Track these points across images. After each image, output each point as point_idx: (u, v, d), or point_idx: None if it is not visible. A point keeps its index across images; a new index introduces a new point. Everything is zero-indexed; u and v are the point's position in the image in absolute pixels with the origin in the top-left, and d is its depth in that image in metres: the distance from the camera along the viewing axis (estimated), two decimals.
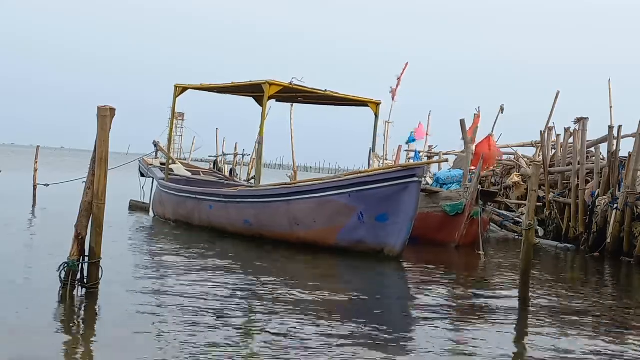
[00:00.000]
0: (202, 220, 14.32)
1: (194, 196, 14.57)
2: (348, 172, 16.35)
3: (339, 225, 12.04)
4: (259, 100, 14.76)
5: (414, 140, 24.42)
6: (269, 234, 12.83)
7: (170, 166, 17.35)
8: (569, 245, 15.70)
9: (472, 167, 16.89)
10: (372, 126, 15.22)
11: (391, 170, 12.20)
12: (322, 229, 12.18)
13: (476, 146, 16.45)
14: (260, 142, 13.87)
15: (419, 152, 23.69)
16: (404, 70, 23.76)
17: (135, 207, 17.99)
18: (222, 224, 13.75)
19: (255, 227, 13.04)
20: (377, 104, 14.76)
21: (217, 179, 18.20)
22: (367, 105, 14.86)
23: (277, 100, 16.77)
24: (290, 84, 13.66)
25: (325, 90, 14.38)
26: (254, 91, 14.52)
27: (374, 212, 11.80)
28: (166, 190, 15.73)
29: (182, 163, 20.00)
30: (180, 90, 15.81)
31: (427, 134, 25.52)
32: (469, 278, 11.25)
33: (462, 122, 17.96)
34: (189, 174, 17.68)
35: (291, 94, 15.42)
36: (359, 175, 12.54)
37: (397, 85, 23.24)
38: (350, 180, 12.23)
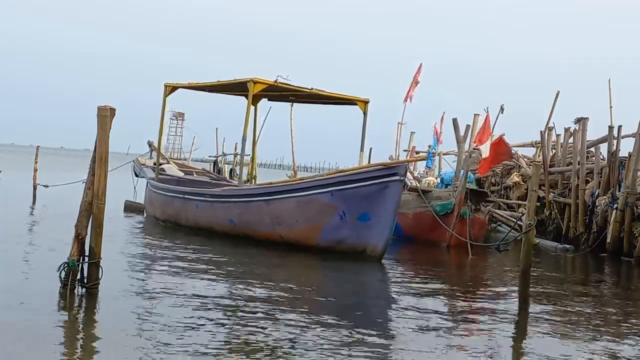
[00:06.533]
0: (188, 220, 14.30)
1: (181, 196, 14.54)
2: (330, 171, 16.25)
3: (321, 224, 11.97)
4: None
5: (436, 144, 24.06)
6: (252, 234, 12.79)
7: (163, 166, 17.30)
8: (567, 246, 15.69)
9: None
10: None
11: (372, 169, 12.05)
12: (303, 229, 12.11)
13: (492, 144, 16.38)
14: (244, 140, 13.84)
15: (432, 154, 23.59)
16: (418, 70, 23.68)
17: (131, 207, 17.97)
18: (208, 223, 13.71)
19: (239, 226, 13.01)
20: (366, 102, 14.53)
21: (209, 178, 18.16)
22: (356, 104, 14.72)
23: (268, 100, 16.72)
24: (275, 82, 13.59)
25: (312, 89, 14.27)
26: (242, 89, 14.44)
27: (356, 212, 11.72)
28: (155, 190, 15.70)
29: (176, 163, 19.94)
30: (170, 89, 15.75)
31: (440, 135, 25.32)
32: (454, 279, 11.23)
33: (455, 122, 17.97)
34: (181, 174, 17.63)
35: (279, 93, 15.35)
36: (340, 174, 12.46)
37: (413, 86, 23.13)
38: (332, 179, 12.14)
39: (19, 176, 25.91)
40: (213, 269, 9.68)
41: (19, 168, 32.77)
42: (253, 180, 17.41)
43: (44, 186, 18.87)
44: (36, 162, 20.07)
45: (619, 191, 14.77)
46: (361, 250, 11.80)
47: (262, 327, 6.45)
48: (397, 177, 11.54)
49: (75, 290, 7.14)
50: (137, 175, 18.70)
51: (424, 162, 23.86)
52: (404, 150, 26.78)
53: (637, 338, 7.22)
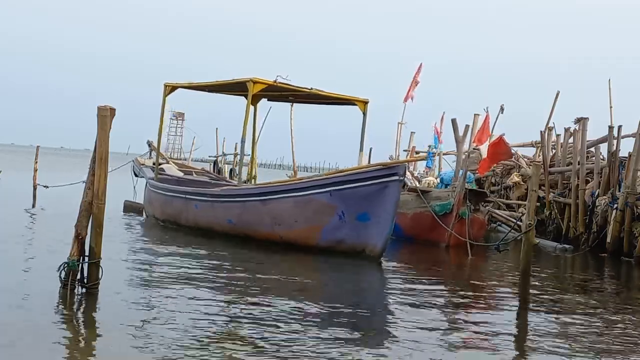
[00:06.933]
0: (188, 220, 14.27)
1: (181, 196, 14.52)
2: (330, 171, 16.23)
3: (320, 224, 11.96)
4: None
5: (437, 144, 24.00)
6: (252, 234, 12.77)
7: (162, 166, 17.25)
8: (567, 246, 15.69)
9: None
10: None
11: (371, 169, 12.05)
12: (303, 229, 12.10)
13: (491, 145, 16.37)
14: (243, 139, 13.83)
15: (432, 154, 23.59)
16: (418, 70, 23.64)
17: (130, 207, 17.96)
18: (207, 223, 13.68)
19: (239, 226, 12.99)
20: (365, 103, 14.46)
21: (208, 178, 18.14)
22: (355, 104, 14.65)
23: (268, 100, 16.70)
24: (275, 81, 13.57)
25: (312, 89, 14.22)
26: (241, 89, 14.41)
27: (355, 212, 11.72)
28: (155, 190, 15.68)
29: (175, 163, 19.91)
30: (170, 89, 15.71)
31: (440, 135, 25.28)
32: (453, 279, 11.21)
33: (454, 122, 17.98)
34: (180, 174, 17.60)
35: (279, 93, 15.33)
36: (339, 174, 12.44)
37: (413, 86, 23.11)
38: (331, 179, 12.14)
39: (19, 176, 25.88)
40: (212, 269, 9.68)
41: (19, 168, 32.74)
42: (253, 181, 17.39)
43: (44, 187, 18.84)
44: (36, 162, 20.02)
45: (619, 191, 14.77)
46: (360, 250, 11.80)
47: (261, 328, 6.45)
48: (396, 177, 11.54)
49: (75, 290, 7.13)
50: (136, 175, 18.70)
51: (424, 162, 23.87)
52: (404, 150, 26.81)
53: (638, 338, 7.23)
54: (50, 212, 15.92)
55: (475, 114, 21.34)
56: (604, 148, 16.88)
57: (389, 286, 10.12)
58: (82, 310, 6.87)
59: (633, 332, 7.52)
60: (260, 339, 6.07)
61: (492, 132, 20.38)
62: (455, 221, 14.45)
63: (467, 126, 19.23)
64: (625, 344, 6.89)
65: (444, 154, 24.02)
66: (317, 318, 7.06)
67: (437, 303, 8.50)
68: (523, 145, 22.76)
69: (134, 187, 18.67)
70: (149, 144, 20.15)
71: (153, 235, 13.46)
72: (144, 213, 16.95)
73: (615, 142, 15.99)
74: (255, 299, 7.79)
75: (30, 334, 5.78)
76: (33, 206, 17.22)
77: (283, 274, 9.87)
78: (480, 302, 9.00)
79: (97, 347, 5.67)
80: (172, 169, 17.88)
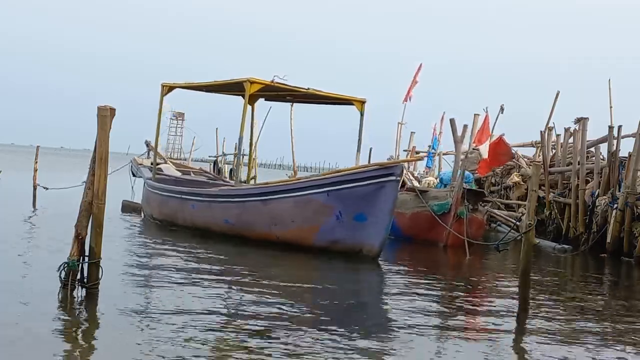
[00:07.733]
0: (185, 220, 14.26)
1: (177, 196, 14.51)
2: (330, 171, 16.20)
3: (317, 225, 11.97)
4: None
5: (436, 144, 23.95)
6: (249, 234, 12.77)
7: (160, 166, 17.23)
8: (566, 246, 15.69)
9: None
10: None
11: (368, 169, 12.04)
12: (300, 229, 12.10)
13: (492, 145, 16.32)
14: (240, 139, 13.81)
15: (432, 154, 23.53)
16: (418, 70, 23.63)
17: (128, 207, 17.96)
18: (205, 223, 13.68)
19: (237, 226, 12.98)
20: (362, 102, 14.41)
21: (206, 178, 18.13)
22: (353, 104, 14.60)
23: (265, 99, 16.69)
24: (272, 81, 13.55)
25: (308, 89, 14.20)
26: (239, 89, 14.40)
27: (352, 212, 11.73)
28: (152, 190, 15.68)
29: (174, 163, 19.89)
30: (167, 89, 15.68)
31: (440, 134, 25.21)
32: (452, 280, 11.21)
33: (452, 122, 17.96)
34: (178, 174, 17.59)
35: (276, 93, 15.31)
36: (337, 174, 12.45)
37: (413, 86, 23.11)
38: (328, 179, 12.15)
39: (19, 176, 25.89)
40: (211, 270, 9.68)
41: (19, 168, 32.75)
42: (252, 181, 17.36)
43: (44, 188, 18.83)
44: (36, 162, 19.99)
45: (619, 191, 14.78)
46: (358, 251, 11.80)
47: (259, 328, 6.45)
48: (393, 177, 11.54)
49: (75, 290, 7.14)
50: (134, 175, 18.70)
51: (424, 162, 23.87)
52: (404, 150, 26.77)
53: (637, 338, 7.23)
54: (50, 212, 15.92)
55: (475, 114, 21.30)
56: (604, 148, 16.89)
57: (386, 286, 10.11)
58: (82, 310, 6.86)
59: (632, 333, 7.52)
60: (258, 339, 6.07)
61: (492, 132, 20.34)
62: (454, 221, 14.45)
63: (465, 126, 19.20)
64: (624, 344, 6.89)
65: (443, 154, 24.00)
66: (316, 318, 7.06)
67: (435, 303, 8.50)
68: (523, 145, 22.76)
69: (132, 187, 18.68)
70: (147, 143, 20.15)
71: (153, 235, 13.45)
72: (142, 213, 16.96)
73: (615, 142, 16.00)
74: (253, 299, 7.79)
75: (30, 334, 5.78)
76: (33, 206, 17.22)
77: (281, 274, 9.88)
78: (479, 302, 9.00)
79: (97, 348, 5.67)
80: (170, 169, 17.86)
